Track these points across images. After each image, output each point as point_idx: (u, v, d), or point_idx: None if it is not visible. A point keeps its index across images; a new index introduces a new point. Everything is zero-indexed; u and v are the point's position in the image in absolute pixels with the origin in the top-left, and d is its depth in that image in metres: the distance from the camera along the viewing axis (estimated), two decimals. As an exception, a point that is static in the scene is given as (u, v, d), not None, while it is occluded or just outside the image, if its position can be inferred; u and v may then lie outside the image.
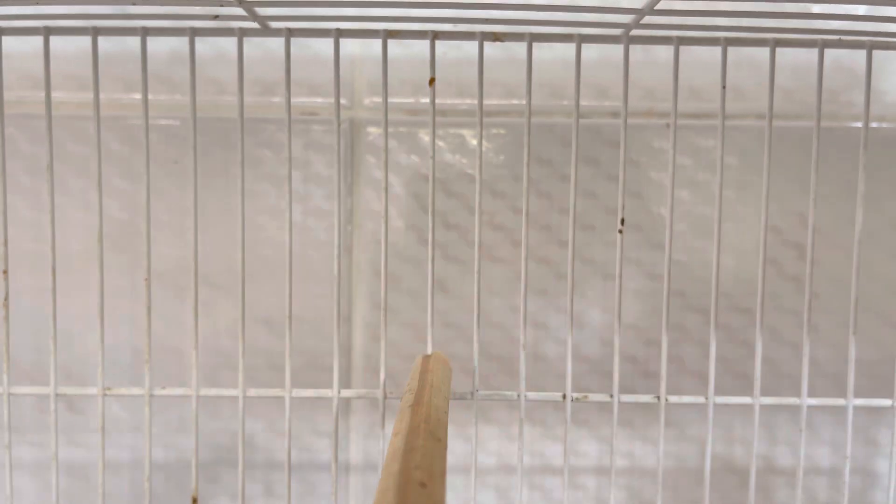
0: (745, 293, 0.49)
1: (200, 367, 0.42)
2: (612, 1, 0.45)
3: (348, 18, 0.39)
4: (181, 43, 0.46)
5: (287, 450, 0.41)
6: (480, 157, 0.40)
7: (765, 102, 0.40)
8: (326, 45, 0.47)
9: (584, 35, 0.40)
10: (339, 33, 0.40)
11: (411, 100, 0.48)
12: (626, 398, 0.42)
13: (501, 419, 0.50)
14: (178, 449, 0.49)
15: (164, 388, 0.41)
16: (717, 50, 0.40)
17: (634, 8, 0.36)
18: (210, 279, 0.48)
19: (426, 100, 0.48)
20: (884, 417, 0.49)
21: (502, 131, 0.48)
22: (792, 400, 0.42)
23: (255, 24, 0.39)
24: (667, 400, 0.41)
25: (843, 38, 0.40)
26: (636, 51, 0.48)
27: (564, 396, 0.41)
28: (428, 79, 0.42)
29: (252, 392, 0.41)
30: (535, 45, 0.44)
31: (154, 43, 0.46)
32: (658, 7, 0.35)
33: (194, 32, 0.40)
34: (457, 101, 0.48)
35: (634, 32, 0.39)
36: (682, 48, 0.40)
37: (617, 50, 0.46)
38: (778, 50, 0.40)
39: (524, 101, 0.41)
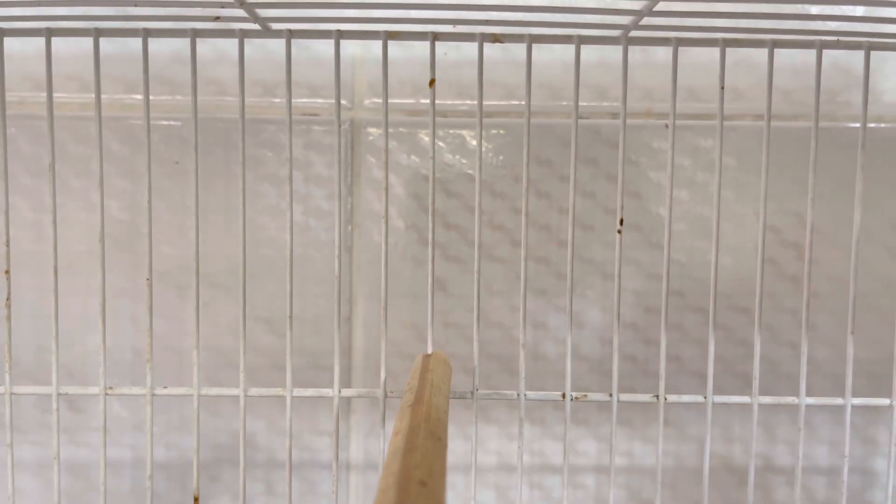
0: (743, 293, 0.49)
1: (201, 366, 0.42)
2: (610, 2, 0.46)
3: (349, 20, 0.39)
4: (182, 44, 0.46)
5: (288, 449, 0.41)
6: (480, 157, 0.40)
7: (763, 103, 0.40)
8: (327, 46, 0.47)
9: (584, 36, 0.40)
10: (340, 34, 0.40)
11: (411, 101, 0.48)
12: (626, 397, 0.42)
13: (501, 418, 0.50)
14: (180, 448, 0.50)
15: (165, 387, 0.41)
16: (716, 51, 0.40)
17: (633, 9, 0.36)
18: (211, 279, 0.48)
19: (426, 101, 0.48)
20: (882, 416, 0.49)
21: (502, 132, 0.49)
22: (790, 399, 0.42)
23: (255, 26, 0.39)
24: (666, 399, 0.42)
25: (841, 38, 0.40)
26: (635, 52, 0.48)
27: (564, 396, 0.42)
28: (428, 80, 0.42)
29: (253, 391, 0.42)
30: (534, 46, 0.44)
31: (155, 44, 0.46)
32: (657, 8, 0.35)
33: (195, 34, 0.40)
34: (457, 102, 0.48)
35: (633, 34, 0.39)
36: (681, 49, 0.40)
37: (616, 51, 0.46)
38: (776, 51, 0.40)
39: (524, 102, 0.41)
